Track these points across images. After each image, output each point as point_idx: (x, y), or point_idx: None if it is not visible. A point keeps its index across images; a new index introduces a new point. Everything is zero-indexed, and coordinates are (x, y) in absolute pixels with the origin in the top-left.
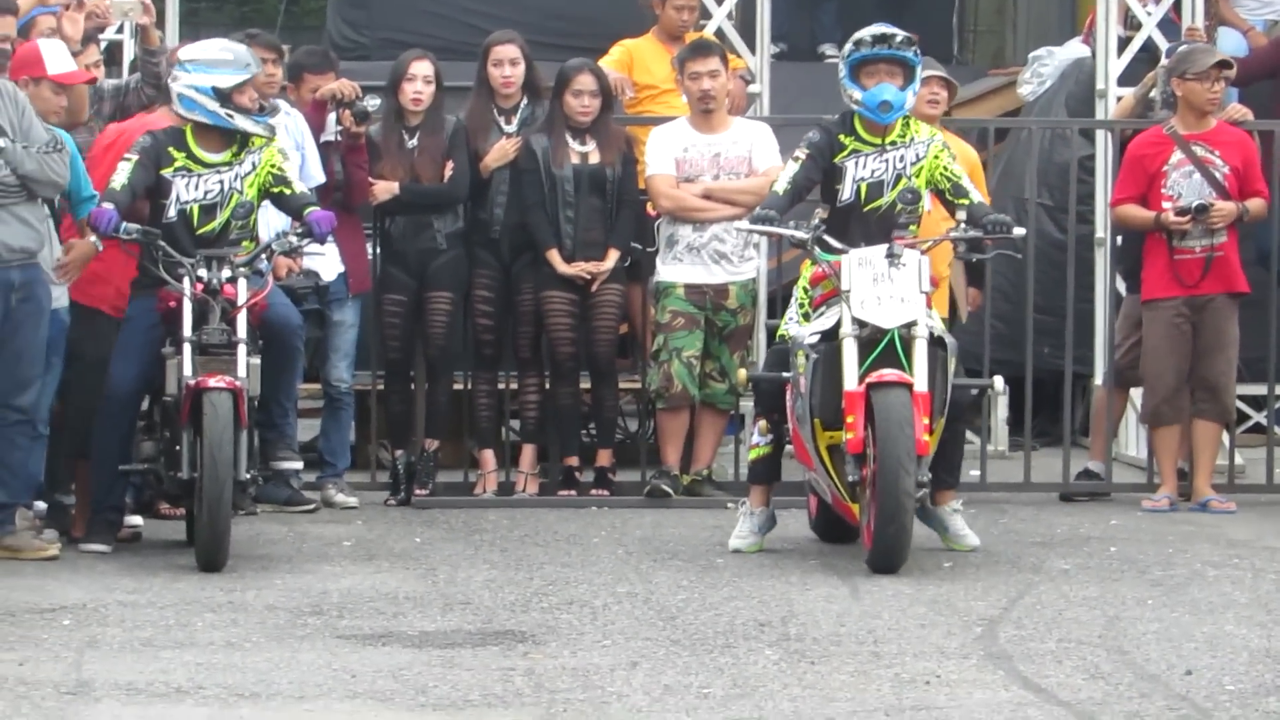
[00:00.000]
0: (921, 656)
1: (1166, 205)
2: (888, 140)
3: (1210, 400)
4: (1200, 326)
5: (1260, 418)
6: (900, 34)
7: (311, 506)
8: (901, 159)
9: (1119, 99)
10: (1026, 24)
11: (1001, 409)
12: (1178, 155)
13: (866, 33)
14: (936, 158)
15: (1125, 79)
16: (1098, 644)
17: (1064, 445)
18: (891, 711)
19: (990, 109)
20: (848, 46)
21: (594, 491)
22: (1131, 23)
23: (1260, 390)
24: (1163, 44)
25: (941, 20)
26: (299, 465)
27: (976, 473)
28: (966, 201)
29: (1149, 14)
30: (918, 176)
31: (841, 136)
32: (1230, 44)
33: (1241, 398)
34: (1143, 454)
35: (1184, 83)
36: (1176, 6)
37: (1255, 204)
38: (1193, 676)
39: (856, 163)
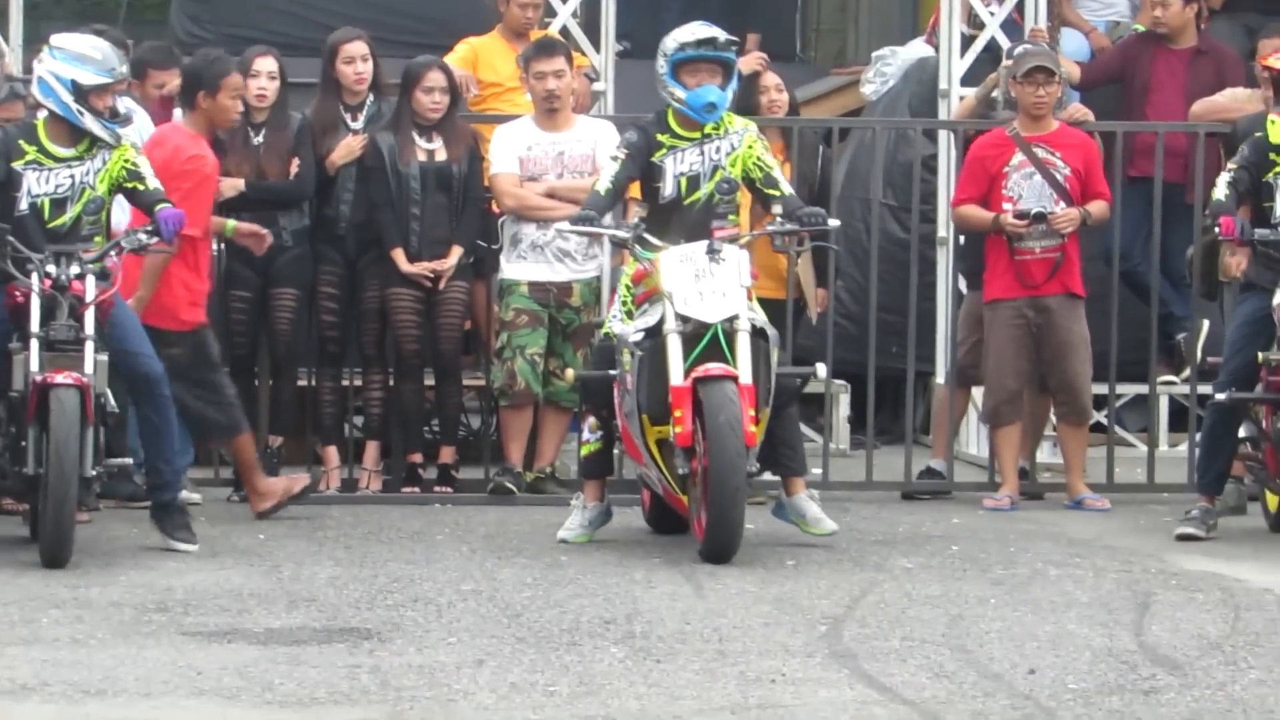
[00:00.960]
0: (767, 655)
1: (1007, 207)
2: (703, 134)
3: (1069, 402)
4: (1046, 329)
5: (1101, 417)
6: (723, 36)
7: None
8: (718, 150)
9: (961, 99)
10: (869, 23)
11: (843, 407)
12: (1019, 157)
13: (690, 33)
14: (750, 147)
15: (968, 79)
16: (941, 643)
17: (906, 444)
18: (738, 710)
19: (833, 108)
20: (669, 44)
21: (438, 488)
22: (975, 22)
23: (1102, 389)
24: (1005, 44)
25: (785, 19)
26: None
27: (819, 471)
28: (778, 193)
29: (992, 14)
30: (733, 166)
31: (658, 135)
32: (1072, 46)
33: None
34: (984, 453)
35: (1015, 85)
36: (1019, 7)
37: (1097, 207)
38: (1036, 675)
39: (675, 158)
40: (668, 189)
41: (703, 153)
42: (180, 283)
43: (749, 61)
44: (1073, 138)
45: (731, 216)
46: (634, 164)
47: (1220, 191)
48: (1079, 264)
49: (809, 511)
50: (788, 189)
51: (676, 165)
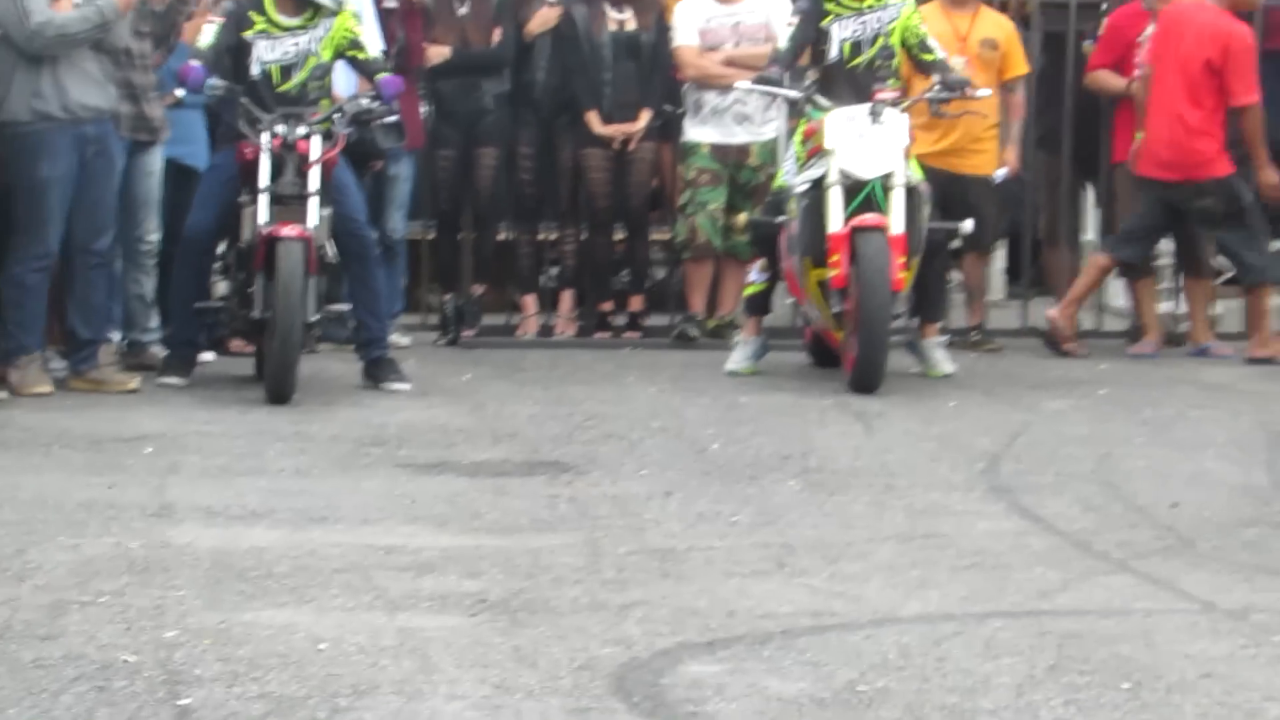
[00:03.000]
0: (931, 488)
1: (1137, 74)
2: (865, 5)
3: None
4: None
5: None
6: None
7: None
8: (879, 20)
9: None
10: None
11: (999, 260)
12: (1153, 28)
13: None
14: (909, 19)
15: None
16: (1090, 478)
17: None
18: (904, 539)
19: None
20: None
21: (627, 334)
22: None
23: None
24: None
25: None
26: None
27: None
28: (930, 57)
29: None
30: (892, 35)
31: (826, 3)
32: None
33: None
34: (1125, 303)
35: None
36: None
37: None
38: (1178, 509)
39: (840, 25)
40: (833, 52)
41: (864, 22)
42: None
43: None
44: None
45: (892, 80)
46: (809, 25)
47: None
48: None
49: (932, 356)
50: (941, 54)
51: (841, 31)
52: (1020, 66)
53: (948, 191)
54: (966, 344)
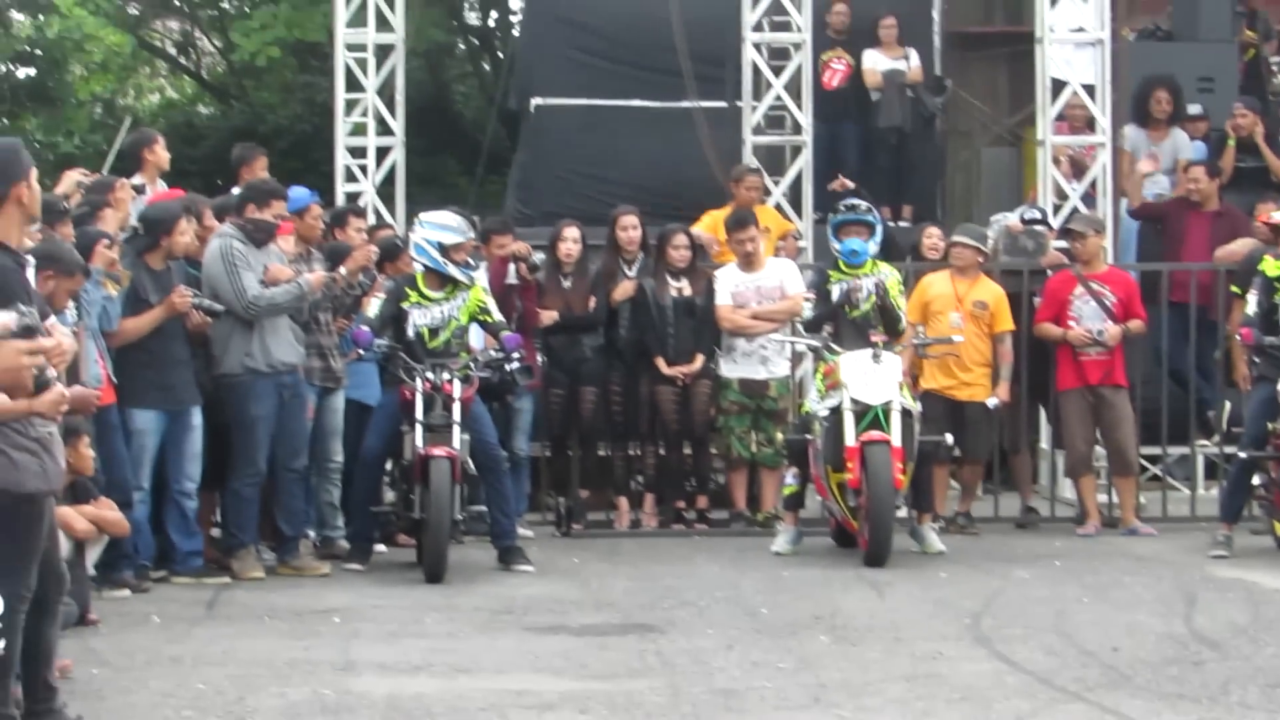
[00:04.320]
0: (929, 639)
1: (1072, 324)
2: (860, 272)
3: (1118, 459)
4: (1100, 409)
5: (1156, 470)
6: (864, 204)
7: None
8: (872, 283)
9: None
10: (987, 196)
11: None
12: (1079, 289)
13: (843, 204)
14: (894, 281)
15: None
16: (1050, 629)
17: (1021, 492)
18: (910, 679)
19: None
20: (832, 215)
21: (696, 525)
22: (1062, 195)
23: (1157, 450)
24: (1083, 210)
25: (929, 190)
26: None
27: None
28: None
29: (1074, 189)
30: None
31: (830, 271)
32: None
33: (1146, 456)
34: (1073, 496)
35: (1071, 239)
36: (1093, 184)
37: (1135, 324)
38: (1118, 652)
39: (839, 287)
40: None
41: (863, 284)
42: None
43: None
44: (1118, 275)
45: (880, 326)
46: (824, 303)
47: (1250, 309)
48: (1123, 363)
49: (927, 538)
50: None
51: (837, 293)
52: (1006, 323)
53: (954, 414)
54: (955, 527)
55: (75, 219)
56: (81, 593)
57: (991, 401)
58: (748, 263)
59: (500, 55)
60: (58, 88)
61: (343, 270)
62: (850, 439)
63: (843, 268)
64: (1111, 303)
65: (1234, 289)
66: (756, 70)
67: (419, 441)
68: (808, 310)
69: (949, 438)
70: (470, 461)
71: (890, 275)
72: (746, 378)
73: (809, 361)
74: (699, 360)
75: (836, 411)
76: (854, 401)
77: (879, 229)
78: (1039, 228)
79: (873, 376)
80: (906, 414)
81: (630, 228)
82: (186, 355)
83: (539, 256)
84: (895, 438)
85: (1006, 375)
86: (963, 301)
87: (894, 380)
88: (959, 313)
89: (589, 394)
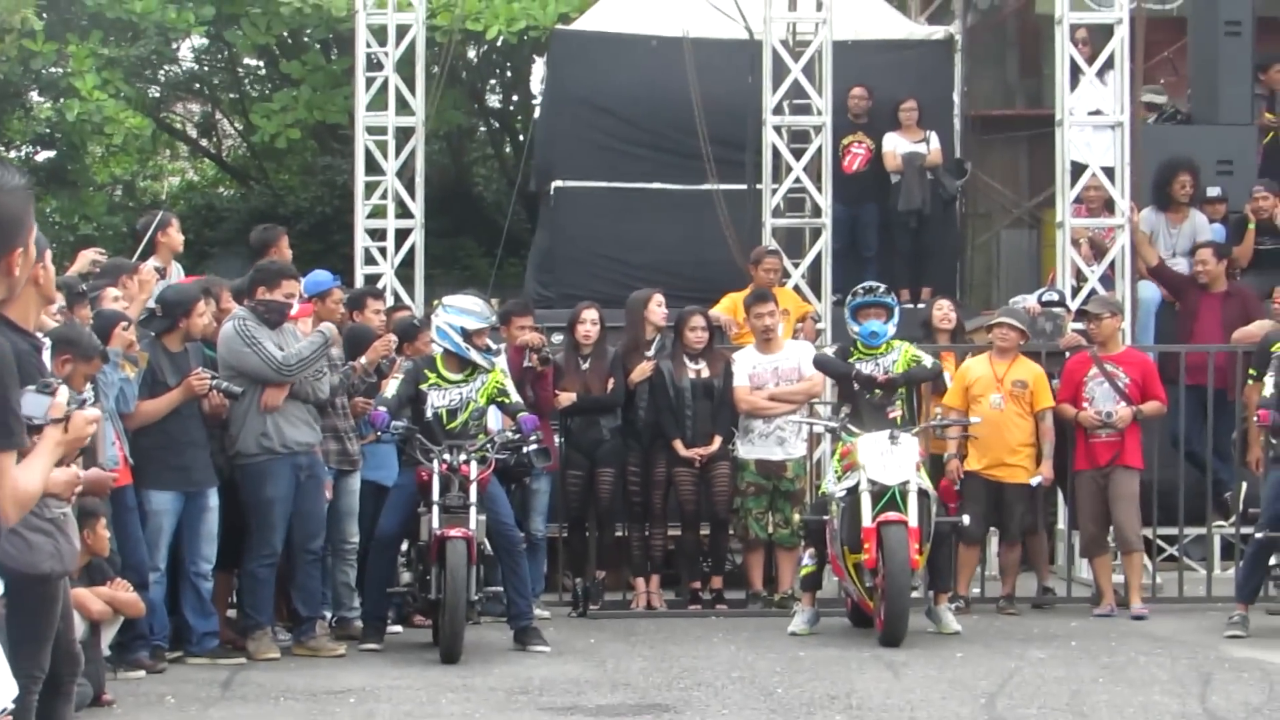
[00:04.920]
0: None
1: (1086, 405)
2: (878, 353)
3: (1121, 539)
4: (1109, 490)
5: (1173, 550)
6: (882, 286)
7: None
8: (889, 363)
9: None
10: (1006, 278)
11: (993, 546)
12: (1094, 370)
13: (861, 287)
14: (907, 353)
15: (1078, 317)
16: (1066, 710)
17: (1038, 572)
18: None
19: (983, 337)
20: (850, 297)
21: (714, 606)
22: (1081, 277)
23: (1174, 530)
24: (1102, 291)
25: (949, 274)
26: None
27: (978, 590)
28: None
29: (1092, 271)
30: (896, 369)
31: (851, 350)
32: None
33: (1162, 536)
34: (1089, 576)
35: (1086, 321)
36: (1111, 265)
37: (1150, 406)
38: None
39: (860, 367)
40: (855, 385)
41: (878, 364)
42: None
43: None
44: (1134, 357)
45: (899, 403)
46: (846, 384)
47: (1268, 390)
48: (1137, 445)
49: (944, 618)
50: (930, 363)
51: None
52: (1046, 400)
53: (994, 495)
54: (998, 609)
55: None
56: (96, 673)
57: (1035, 480)
58: (766, 340)
59: (521, 138)
60: (77, 170)
61: (362, 360)
62: (867, 519)
63: (861, 349)
64: (1125, 384)
65: (1251, 371)
66: (776, 153)
67: (435, 523)
68: (825, 391)
69: (966, 518)
70: (486, 542)
71: (904, 347)
72: (763, 458)
73: (827, 443)
74: (717, 442)
75: (854, 492)
76: (871, 482)
77: (896, 310)
78: (1057, 309)
79: (890, 457)
80: (923, 494)
81: (658, 305)
82: (203, 437)
83: (557, 338)
84: (912, 518)
85: (1049, 453)
86: (1003, 382)
87: (911, 461)
88: (1000, 394)
89: (606, 475)
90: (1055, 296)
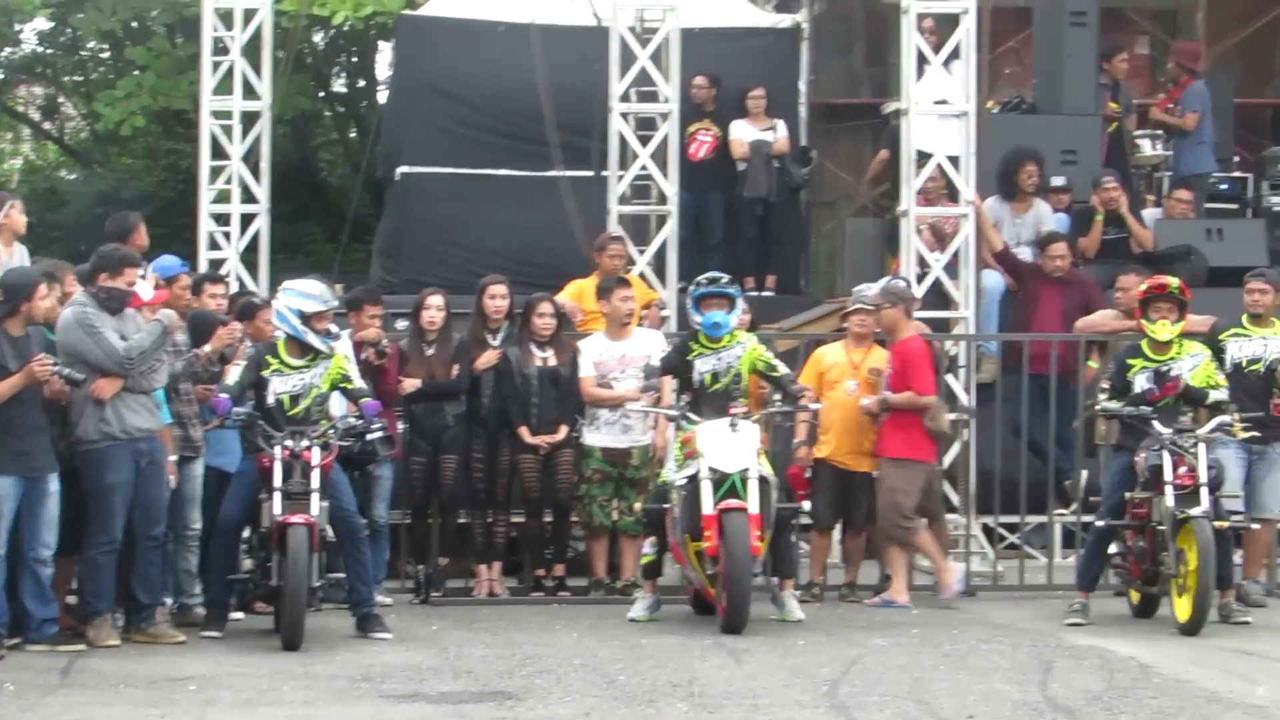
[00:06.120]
0: (787, 707)
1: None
2: (721, 345)
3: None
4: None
5: (1014, 538)
6: (725, 277)
7: None
8: (731, 355)
9: None
10: (850, 267)
11: (836, 532)
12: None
13: (704, 277)
14: (754, 350)
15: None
16: (907, 697)
17: (880, 559)
18: None
19: (827, 325)
20: (693, 287)
21: (556, 593)
22: (925, 265)
23: (1015, 519)
24: (946, 281)
25: (793, 263)
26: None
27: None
28: (776, 374)
29: (937, 259)
30: (741, 365)
31: (691, 344)
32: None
33: (1004, 524)
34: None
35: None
36: (956, 254)
37: (899, 398)
38: (974, 719)
39: (701, 360)
40: (696, 379)
41: (720, 357)
42: None
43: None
44: (901, 347)
45: (741, 399)
46: (674, 356)
47: (1103, 380)
48: (897, 436)
49: (788, 604)
50: (783, 369)
51: (702, 365)
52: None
53: (846, 481)
54: (840, 597)
55: None
56: None
57: (864, 401)
58: (624, 325)
59: (366, 124)
60: None
61: (206, 348)
62: (708, 507)
63: (703, 341)
64: (887, 375)
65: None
66: (623, 140)
67: (277, 509)
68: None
69: (807, 504)
70: (329, 529)
71: (750, 342)
72: (609, 446)
73: (671, 431)
74: (563, 430)
75: (694, 480)
76: (712, 470)
77: (739, 301)
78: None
79: (730, 445)
80: (764, 481)
81: (498, 296)
82: (43, 422)
83: (402, 324)
84: (753, 505)
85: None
86: (859, 369)
87: (751, 448)
88: (855, 381)
89: (450, 461)
90: (901, 285)
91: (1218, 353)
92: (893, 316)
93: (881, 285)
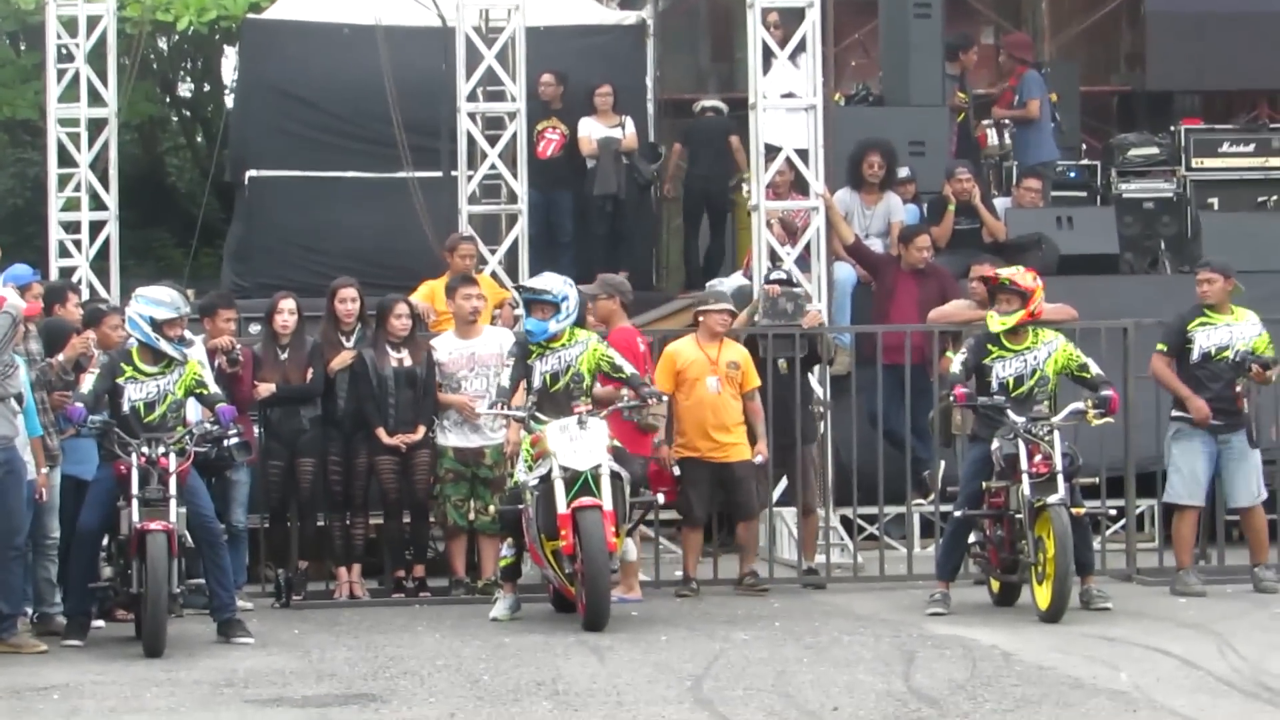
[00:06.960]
0: (650, 703)
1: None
2: (558, 345)
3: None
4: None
5: (873, 529)
6: (550, 288)
7: None
8: (571, 355)
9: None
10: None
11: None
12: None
13: (523, 284)
14: (595, 349)
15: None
16: (771, 691)
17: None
18: None
19: (681, 320)
20: (518, 291)
21: (417, 594)
22: (776, 259)
23: (874, 510)
24: (798, 275)
25: (644, 259)
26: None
27: (680, 573)
28: (622, 375)
29: (788, 253)
30: (581, 365)
31: (532, 346)
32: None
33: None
34: (792, 556)
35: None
36: (807, 247)
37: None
38: (838, 711)
39: (541, 361)
40: (536, 380)
41: (560, 357)
42: None
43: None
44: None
45: (584, 397)
46: (520, 364)
47: (955, 367)
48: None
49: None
50: (629, 370)
51: (541, 366)
52: (755, 381)
53: (719, 476)
54: (743, 587)
55: None
56: None
57: (758, 459)
58: (470, 322)
59: (213, 128)
60: None
61: (60, 357)
62: (562, 506)
63: (541, 343)
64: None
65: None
66: (471, 140)
67: (135, 516)
68: (505, 376)
69: (660, 497)
70: (188, 535)
71: (591, 341)
72: (462, 446)
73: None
74: (420, 430)
75: (546, 480)
76: (563, 469)
77: (564, 306)
78: (796, 289)
79: (580, 442)
80: (617, 477)
81: (349, 299)
82: None
83: (255, 328)
84: (606, 502)
85: (762, 431)
86: (717, 364)
87: (601, 445)
88: (716, 376)
89: (307, 465)
90: (783, 276)
91: (1186, 343)
92: (607, 308)
93: (732, 281)
